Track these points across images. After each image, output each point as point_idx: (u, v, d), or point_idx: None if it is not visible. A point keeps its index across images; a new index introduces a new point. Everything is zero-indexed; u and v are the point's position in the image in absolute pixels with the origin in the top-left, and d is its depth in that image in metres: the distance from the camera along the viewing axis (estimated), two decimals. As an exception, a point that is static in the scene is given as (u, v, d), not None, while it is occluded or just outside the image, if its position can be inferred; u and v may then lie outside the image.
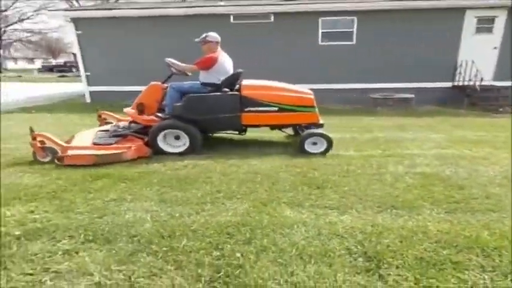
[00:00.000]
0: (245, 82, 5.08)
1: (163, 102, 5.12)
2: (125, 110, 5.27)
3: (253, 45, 11.37)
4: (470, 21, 10.56)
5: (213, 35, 5.07)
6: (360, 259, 2.19)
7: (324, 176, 3.79)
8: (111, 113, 6.00)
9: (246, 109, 4.84)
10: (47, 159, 4.34)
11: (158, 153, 4.73)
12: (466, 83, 10.34)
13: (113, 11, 11.51)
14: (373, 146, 5.30)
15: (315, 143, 4.86)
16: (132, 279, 1.99)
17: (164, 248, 2.30)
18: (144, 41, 11.32)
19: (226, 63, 5.04)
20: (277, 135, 5.92)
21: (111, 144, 4.64)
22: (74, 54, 50.22)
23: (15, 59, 56.48)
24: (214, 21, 11.24)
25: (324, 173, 3.90)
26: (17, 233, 2.50)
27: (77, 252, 2.26)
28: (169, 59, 5.06)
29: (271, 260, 2.17)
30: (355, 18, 10.86)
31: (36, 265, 2.13)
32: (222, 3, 12.59)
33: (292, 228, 2.59)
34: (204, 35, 5.05)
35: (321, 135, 4.83)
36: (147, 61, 11.20)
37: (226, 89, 4.91)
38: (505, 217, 2.76)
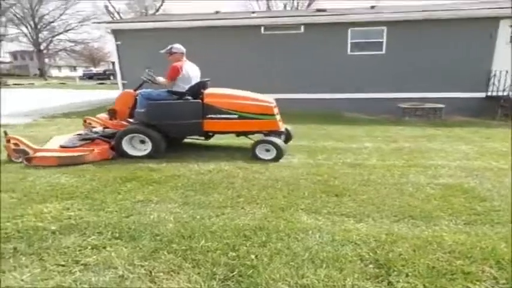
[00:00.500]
0: (208, 90, 5.30)
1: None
2: (98, 115, 5.79)
3: (283, 55, 11.53)
4: (504, 30, 10.20)
5: (177, 47, 5.36)
6: (371, 266, 2.24)
7: (344, 185, 3.83)
8: (95, 119, 6.22)
9: (208, 116, 5.09)
10: (20, 159, 4.69)
11: (123, 156, 5.01)
12: (499, 94, 9.95)
13: (149, 23, 12.07)
14: (397, 155, 5.26)
15: (268, 150, 5.03)
16: (153, 274, 2.15)
17: (183, 247, 2.45)
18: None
19: (190, 73, 5.28)
20: (301, 144, 6.00)
21: (75, 147, 4.97)
22: (113, 63, 52.69)
23: (59, 67, 59.85)
24: (245, 32, 11.52)
25: (344, 182, 3.94)
26: (53, 228, 2.74)
27: (104, 248, 2.45)
28: (148, 72, 5.37)
29: (284, 262, 2.27)
30: (385, 28, 10.78)
31: (68, 257, 2.33)
32: (254, 14, 12.89)
33: (307, 233, 2.67)
34: (169, 47, 5.35)
35: (271, 142, 4.99)
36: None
37: (189, 97, 5.14)
38: (527, 231, 2.71)
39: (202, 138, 5.53)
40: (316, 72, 11.41)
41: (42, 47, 48.75)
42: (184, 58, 5.38)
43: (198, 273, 2.15)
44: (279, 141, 5.05)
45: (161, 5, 43.06)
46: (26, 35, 48.43)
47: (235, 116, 5.09)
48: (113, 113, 5.56)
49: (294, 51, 11.50)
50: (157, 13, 42.18)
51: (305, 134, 6.94)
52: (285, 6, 43.43)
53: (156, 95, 5.24)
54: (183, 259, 2.31)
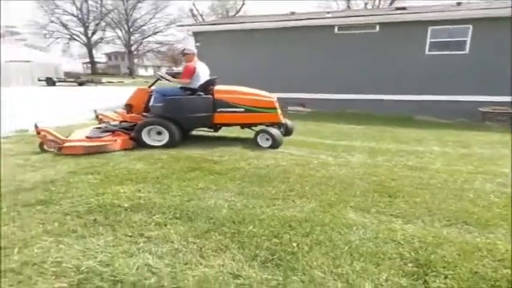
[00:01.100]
0: (217, 87, 5.94)
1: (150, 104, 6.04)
2: (117, 110, 6.42)
3: (356, 55, 11.35)
4: None
5: (190, 48, 6.21)
6: (410, 264, 2.26)
7: (400, 186, 3.78)
8: (107, 114, 6.79)
9: (218, 110, 5.75)
10: (52, 149, 5.16)
11: (142, 146, 5.53)
12: None
13: (226, 25, 12.72)
14: (465, 161, 4.97)
15: (267, 139, 5.71)
16: (203, 250, 2.42)
17: (232, 231, 2.69)
18: (253, 51, 12.21)
19: (201, 71, 5.95)
20: (362, 145, 5.94)
21: (100, 137, 5.43)
22: (193, 63, 55.78)
23: (145, 67, 65.24)
24: (318, 33, 11.57)
25: (401, 184, 3.89)
26: (126, 205, 3.17)
27: (165, 225, 2.79)
28: (160, 74, 6.21)
29: (323, 252, 2.39)
30: (471, 27, 10.01)
31: (135, 230, 2.71)
32: (328, 15, 12.86)
33: (350, 229, 2.74)
34: (182, 49, 6.22)
35: (268, 133, 5.67)
36: (253, 69, 12.10)
37: (201, 93, 5.75)
38: None
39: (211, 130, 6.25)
40: (390, 72, 11.03)
41: (132, 49, 53.57)
42: (196, 58, 6.13)
43: (242, 253, 2.37)
44: (276, 132, 5.74)
45: (241, 7, 44.61)
46: (120, 38, 53.72)
47: (242, 110, 5.77)
48: (129, 108, 6.21)
49: (367, 51, 11.26)
50: (237, 15, 43.77)
51: (368, 136, 6.83)
52: (365, 5, 42.13)
53: (171, 91, 5.88)
54: (230, 240, 2.55)
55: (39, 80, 25.60)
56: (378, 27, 11.10)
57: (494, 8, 9.91)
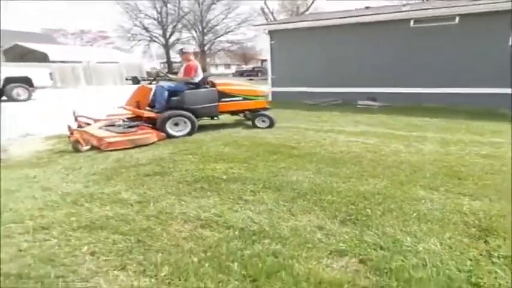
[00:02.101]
0: (216, 81, 7.09)
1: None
2: (122, 107, 6.82)
3: (433, 48, 11.11)
4: None
5: (188, 47, 7.17)
6: (473, 229, 2.60)
7: (470, 171, 4.00)
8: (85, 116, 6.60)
9: (221, 100, 6.84)
10: (88, 147, 5.30)
11: (168, 137, 6.07)
12: None
13: (299, 23, 13.19)
14: (546, 152, 4.92)
15: (263, 121, 7.26)
16: (291, 210, 2.98)
17: (314, 198, 3.22)
18: (326, 47, 12.55)
19: (199, 68, 6.72)
20: (434, 136, 6.08)
21: (135, 131, 5.77)
22: (261, 61, 57.20)
23: (216, 65, 68.13)
24: (392, 27, 11.53)
25: (471, 169, 4.09)
26: (224, 177, 3.86)
27: (258, 192, 3.42)
28: (159, 70, 7.03)
29: (394, 217, 2.81)
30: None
31: (235, 195, 3.36)
32: (405, 8, 12.70)
33: (419, 201, 3.12)
34: (180, 48, 7.16)
35: (266, 115, 7.26)
36: (322, 67, 12.46)
37: (206, 86, 6.80)
38: None
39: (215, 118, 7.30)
40: (470, 64, 10.64)
41: (205, 48, 56.35)
42: (192, 57, 6.84)
43: (324, 214, 2.89)
44: (271, 114, 7.27)
45: (312, 2, 44.60)
46: (194, 38, 56.79)
47: (240, 98, 7.05)
48: (138, 105, 6.54)
49: (445, 44, 10.97)
50: (307, 11, 43.86)
51: (442, 128, 6.90)
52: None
53: (175, 86, 6.63)
54: (314, 205, 3.08)
55: (126, 79, 28.42)
56: (457, 18, 10.75)
57: None
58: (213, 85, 6.93)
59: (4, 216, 2.89)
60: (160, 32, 57.35)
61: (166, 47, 58.73)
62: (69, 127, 5.73)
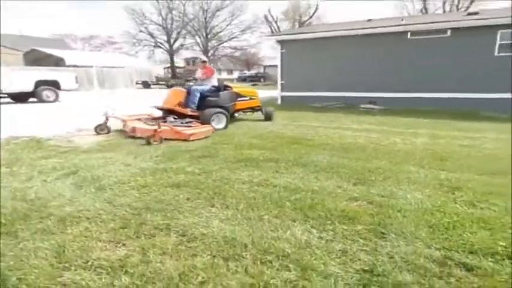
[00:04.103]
0: (231, 85, 9.21)
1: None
2: (161, 107, 8.05)
3: (428, 58, 12.33)
4: None
5: (202, 57, 9.68)
6: (446, 188, 3.74)
7: (451, 156, 5.16)
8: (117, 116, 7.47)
9: (237, 99, 8.78)
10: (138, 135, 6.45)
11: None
12: None
13: (308, 34, 14.50)
14: (514, 144, 6.09)
15: (262, 113, 9.48)
16: (317, 177, 4.12)
17: (332, 171, 4.36)
18: (332, 56, 13.79)
19: (215, 72, 8.61)
20: (427, 131, 7.23)
21: (196, 126, 7.00)
22: (264, 67, 58.58)
23: (219, 71, 69.49)
24: (391, 39, 12.77)
25: (452, 154, 5.24)
26: (261, 158, 5.00)
27: (289, 167, 4.55)
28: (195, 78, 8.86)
29: (391, 181, 3.95)
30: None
31: (272, 169, 4.49)
32: (403, 21, 13.94)
33: (410, 173, 4.27)
34: (198, 59, 10.11)
35: (266, 110, 9.51)
36: (327, 73, 13.66)
37: (228, 88, 8.71)
38: None
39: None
40: (461, 73, 11.84)
41: (209, 54, 57.69)
42: (208, 64, 8.79)
43: (341, 179, 4.03)
44: (270, 109, 9.58)
45: (315, 12, 45.95)
46: (198, 44, 58.19)
47: (247, 98, 9.15)
48: (182, 105, 7.81)
49: (438, 54, 12.19)
50: (310, 20, 45.19)
51: (433, 126, 8.07)
52: (443, 5, 40.90)
53: (206, 89, 8.08)
54: (332, 174, 4.22)
55: (137, 83, 29.66)
56: (449, 32, 11.99)
57: None
58: (229, 87, 8.68)
59: (109, 180, 4.02)
60: (165, 37, 58.85)
61: (170, 52, 60.17)
62: (124, 121, 7.21)
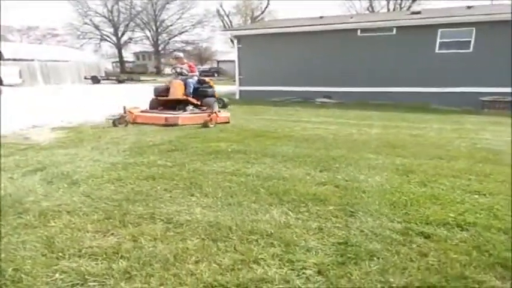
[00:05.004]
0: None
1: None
2: (159, 96, 9.06)
3: (377, 54, 13.12)
4: None
5: (179, 53, 10.91)
6: (401, 171, 4.16)
7: (403, 144, 5.67)
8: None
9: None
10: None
11: None
12: None
13: (263, 29, 14.81)
14: (455, 132, 6.78)
15: (220, 102, 10.28)
16: (286, 166, 4.38)
17: (300, 160, 4.65)
18: (287, 51, 14.18)
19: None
20: (377, 124, 7.80)
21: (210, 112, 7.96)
22: (218, 62, 58.27)
23: (171, 66, 68.02)
24: (343, 35, 13.40)
25: (404, 143, 5.76)
26: (229, 150, 5.19)
27: (259, 158, 4.78)
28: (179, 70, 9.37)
29: (353, 167, 4.32)
30: (474, 29, 11.66)
31: (243, 160, 4.68)
32: (352, 19, 14.66)
33: (369, 159, 4.67)
34: (175, 54, 10.75)
35: (222, 99, 10.77)
36: (284, 68, 14.06)
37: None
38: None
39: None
40: (406, 68, 12.74)
41: (160, 48, 56.34)
42: (184, 60, 9.86)
43: (308, 167, 4.32)
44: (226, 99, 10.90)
45: (266, 7, 46.33)
46: (148, 38, 56.58)
47: (215, 89, 9.95)
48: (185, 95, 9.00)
49: (386, 50, 13.01)
50: (262, 15, 45.59)
51: (385, 118, 8.71)
52: (388, 4, 43.05)
53: (194, 81, 9.22)
54: (300, 163, 4.51)
55: (85, 78, 28.33)
56: (394, 30, 12.85)
57: (493, 14, 11.56)
58: (205, 81, 9.44)
59: (81, 175, 4.00)
60: (112, 30, 56.52)
61: (118, 46, 57.91)
62: (125, 109, 7.74)
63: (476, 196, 3.34)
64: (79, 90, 20.79)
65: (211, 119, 7.37)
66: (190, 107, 8.80)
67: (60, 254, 2.32)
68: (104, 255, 2.30)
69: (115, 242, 2.50)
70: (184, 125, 7.46)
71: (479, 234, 2.57)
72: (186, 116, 7.92)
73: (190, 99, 8.93)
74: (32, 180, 3.83)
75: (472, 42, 11.76)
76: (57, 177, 3.93)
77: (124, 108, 7.64)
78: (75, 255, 2.31)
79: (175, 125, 7.40)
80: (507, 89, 11.18)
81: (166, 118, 7.58)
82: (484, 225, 2.69)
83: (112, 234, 2.62)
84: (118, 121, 7.42)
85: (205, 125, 7.23)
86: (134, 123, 7.63)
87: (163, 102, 8.89)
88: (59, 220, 2.83)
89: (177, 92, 8.79)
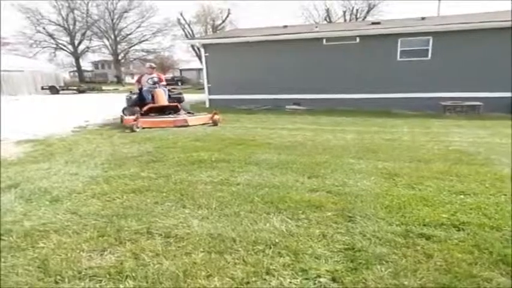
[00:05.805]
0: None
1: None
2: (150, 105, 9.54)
3: (342, 62, 13.50)
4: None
5: (152, 64, 10.98)
6: (386, 175, 4.28)
7: (380, 148, 5.85)
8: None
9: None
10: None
11: None
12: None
13: (230, 38, 14.80)
14: (425, 136, 7.10)
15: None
16: (274, 174, 4.37)
17: (286, 167, 4.65)
18: (253, 60, 14.26)
19: None
20: (350, 129, 8.01)
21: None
22: (180, 70, 57.46)
23: (132, 74, 66.33)
24: (309, 44, 13.67)
25: (380, 147, 5.94)
26: (212, 159, 5.10)
27: (244, 166, 4.73)
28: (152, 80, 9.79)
29: (339, 173, 4.38)
30: (431, 38, 12.35)
31: (228, 169, 4.63)
32: (317, 28, 15.02)
33: (352, 165, 4.76)
34: (150, 64, 10.91)
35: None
36: (252, 76, 14.14)
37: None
38: None
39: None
40: (369, 75, 13.21)
41: (120, 57, 54.83)
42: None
43: (296, 174, 4.34)
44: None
45: (227, 16, 46.35)
46: (106, 47, 54.89)
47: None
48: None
49: (350, 59, 13.43)
50: (223, 24, 45.61)
51: (356, 124, 8.97)
52: (344, 14, 44.60)
53: (166, 89, 10.16)
54: (287, 170, 4.51)
55: (42, 89, 26.90)
56: (358, 39, 13.32)
57: (446, 24, 12.37)
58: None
59: (61, 191, 3.78)
60: (68, 39, 54.30)
61: (76, 55, 55.72)
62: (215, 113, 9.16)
63: (462, 196, 3.49)
64: (37, 101, 19.75)
65: (218, 119, 9.05)
66: (183, 112, 9.75)
67: (58, 277, 2.17)
68: (108, 276, 2.17)
69: (115, 260, 2.37)
70: (194, 125, 8.69)
71: (475, 233, 2.67)
72: (193, 118, 9.19)
73: (172, 104, 9.77)
74: (7, 199, 3.57)
75: (430, 50, 12.43)
76: (35, 193, 3.70)
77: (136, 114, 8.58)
78: (75, 277, 2.17)
79: (185, 126, 8.53)
80: (464, 94, 11.90)
81: (174, 121, 8.73)
82: (477, 224, 2.81)
83: (110, 252, 2.48)
84: (135, 125, 8.05)
85: (215, 123, 8.90)
86: (144, 127, 8.22)
87: (148, 109, 9.39)
88: (47, 240, 2.65)
89: (163, 99, 9.68)
